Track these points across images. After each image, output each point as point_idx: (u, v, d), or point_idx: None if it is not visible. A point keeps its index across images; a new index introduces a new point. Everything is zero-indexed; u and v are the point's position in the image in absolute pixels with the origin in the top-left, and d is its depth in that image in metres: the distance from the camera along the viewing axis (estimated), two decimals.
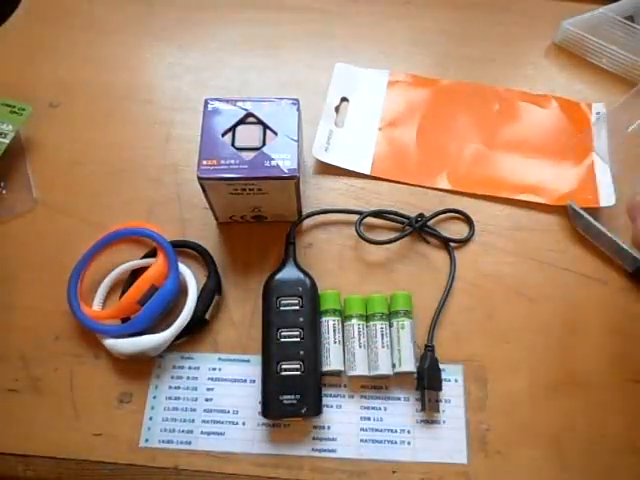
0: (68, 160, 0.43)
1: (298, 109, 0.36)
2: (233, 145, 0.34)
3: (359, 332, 0.35)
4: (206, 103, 0.36)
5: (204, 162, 0.33)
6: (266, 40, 0.49)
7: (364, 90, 0.46)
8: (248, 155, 0.34)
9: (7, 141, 0.41)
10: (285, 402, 0.33)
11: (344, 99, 0.46)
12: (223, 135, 0.35)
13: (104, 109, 0.45)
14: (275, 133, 0.35)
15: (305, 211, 0.40)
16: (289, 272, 0.36)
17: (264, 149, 0.34)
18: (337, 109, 0.45)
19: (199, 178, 0.33)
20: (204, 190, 0.34)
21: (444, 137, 0.44)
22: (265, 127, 0.35)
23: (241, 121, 0.35)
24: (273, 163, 0.33)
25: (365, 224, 0.39)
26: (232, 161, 0.33)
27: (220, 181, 0.33)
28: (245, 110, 0.35)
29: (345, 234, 0.40)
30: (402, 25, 0.50)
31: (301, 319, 0.34)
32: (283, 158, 0.34)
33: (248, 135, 0.35)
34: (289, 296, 0.35)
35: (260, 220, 0.39)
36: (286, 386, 0.33)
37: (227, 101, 0.36)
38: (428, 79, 0.47)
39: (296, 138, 0.35)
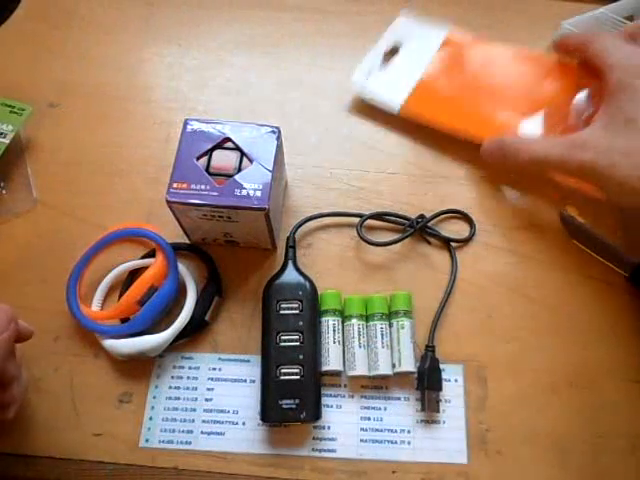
0: (68, 160, 0.43)
1: (278, 138, 0.35)
2: (207, 169, 0.33)
3: (359, 332, 0.35)
4: (186, 123, 0.35)
5: (174, 184, 0.33)
6: (266, 40, 0.49)
7: (417, 42, 0.47)
8: (220, 181, 0.33)
9: (7, 141, 0.41)
10: (284, 407, 0.33)
11: (395, 49, 0.47)
12: (198, 158, 0.34)
13: (104, 109, 0.45)
14: (251, 161, 0.34)
15: (306, 210, 0.40)
16: (289, 276, 0.36)
17: (236, 177, 0.33)
18: (385, 55, 0.46)
19: (167, 201, 0.33)
20: (173, 212, 0.34)
21: (482, 98, 0.44)
22: (242, 153, 0.34)
23: (218, 145, 0.34)
24: (243, 192, 0.32)
25: (366, 225, 0.39)
26: (203, 186, 0.33)
27: (188, 206, 0.33)
28: (223, 134, 0.34)
29: (345, 234, 0.40)
30: None
31: (301, 323, 0.34)
32: (254, 188, 0.33)
33: (224, 161, 0.34)
34: (289, 300, 0.35)
35: (233, 245, 0.39)
36: (285, 390, 0.33)
37: (207, 122, 0.35)
38: (485, 42, 0.47)
39: (271, 168, 0.33)
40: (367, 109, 0.45)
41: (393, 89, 0.44)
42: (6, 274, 0.39)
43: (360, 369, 0.35)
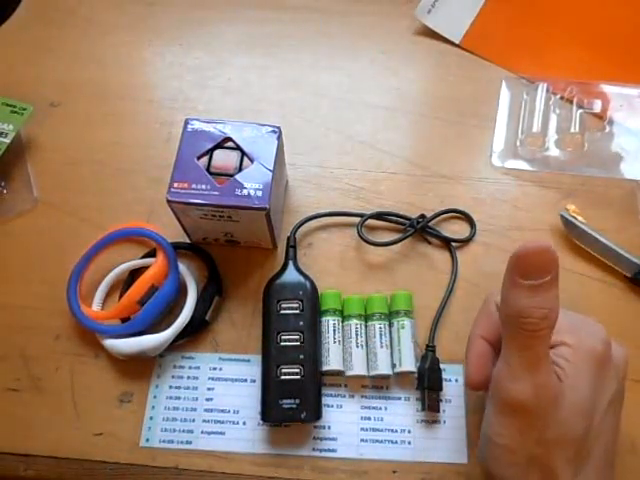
0: (69, 160, 0.43)
1: (278, 137, 0.35)
2: (208, 169, 0.33)
3: (357, 332, 0.35)
4: (186, 123, 0.35)
5: (175, 184, 0.33)
6: (266, 40, 0.49)
7: None
8: (221, 181, 0.33)
9: (8, 141, 0.41)
10: (285, 406, 0.33)
11: None
12: (199, 158, 0.34)
13: (105, 109, 0.45)
14: (251, 160, 0.34)
15: (306, 210, 0.40)
16: (290, 275, 0.36)
17: (237, 176, 0.33)
18: None
19: (168, 200, 0.33)
20: (174, 212, 0.34)
21: (551, 29, 0.44)
22: (243, 153, 0.34)
23: (219, 145, 0.34)
24: (244, 192, 0.33)
25: (366, 225, 0.39)
26: (203, 186, 0.33)
27: (189, 206, 0.33)
28: (224, 134, 0.34)
29: (346, 234, 0.40)
30: (403, 25, 0.50)
31: (301, 323, 0.34)
32: (255, 188, 0.33)
33: (224, 160, 0.34)
34: (290, 300, 0.35)
35: (233, 244, 0.39)
36: (286, 390, 0.33)
37: (208, 122, 0.35)
38: None
39: (271, 168, 0.33)
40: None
41: (454, 24, 0.45)
42: (7, 273, 0.39)
43: (357, 369, 0.35)
